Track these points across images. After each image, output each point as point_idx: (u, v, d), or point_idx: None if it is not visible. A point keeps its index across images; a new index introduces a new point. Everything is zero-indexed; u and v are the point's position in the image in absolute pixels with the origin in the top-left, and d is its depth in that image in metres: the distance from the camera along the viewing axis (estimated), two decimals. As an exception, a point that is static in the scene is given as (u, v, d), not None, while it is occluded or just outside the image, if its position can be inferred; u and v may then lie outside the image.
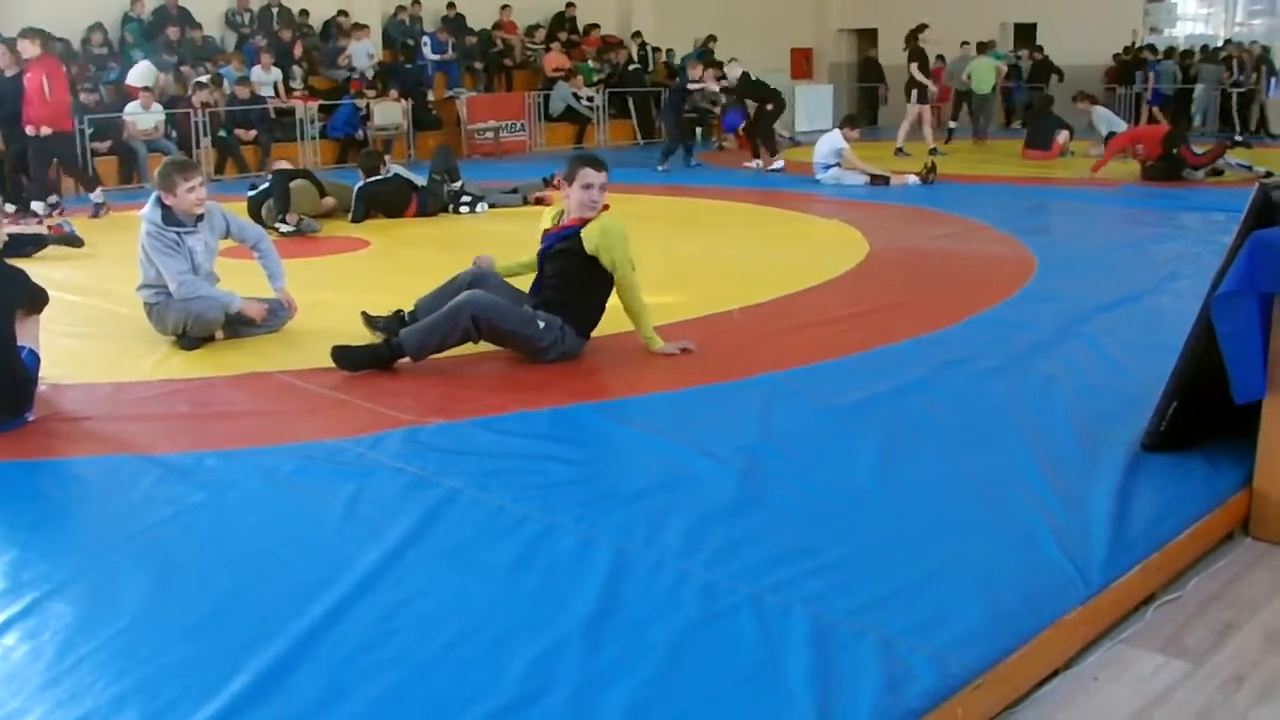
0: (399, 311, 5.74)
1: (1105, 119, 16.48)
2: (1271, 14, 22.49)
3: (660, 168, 14.82)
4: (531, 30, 20.93)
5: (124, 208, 11.14)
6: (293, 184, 10.18)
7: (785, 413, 4.57)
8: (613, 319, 5.60)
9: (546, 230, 5.59)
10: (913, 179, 12.88)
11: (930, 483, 3.79)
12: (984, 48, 19.77)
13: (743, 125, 15.69)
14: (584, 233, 5.36)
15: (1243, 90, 20.18)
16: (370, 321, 5.74)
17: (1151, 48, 22.09)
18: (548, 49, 20.35)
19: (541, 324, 5.29)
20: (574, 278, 5.41)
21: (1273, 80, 20.13)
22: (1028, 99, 20.81)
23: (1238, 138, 18.00)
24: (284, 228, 9.64)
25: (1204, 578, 3.38)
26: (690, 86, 15.92)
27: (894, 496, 3.68)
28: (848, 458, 4.02)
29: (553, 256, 5.47)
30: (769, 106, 15.34)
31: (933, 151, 16.29)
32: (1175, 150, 12.86)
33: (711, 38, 21.81)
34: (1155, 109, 20.60)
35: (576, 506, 3.61)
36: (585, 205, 5.41)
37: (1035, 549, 3.24)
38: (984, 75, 19.20)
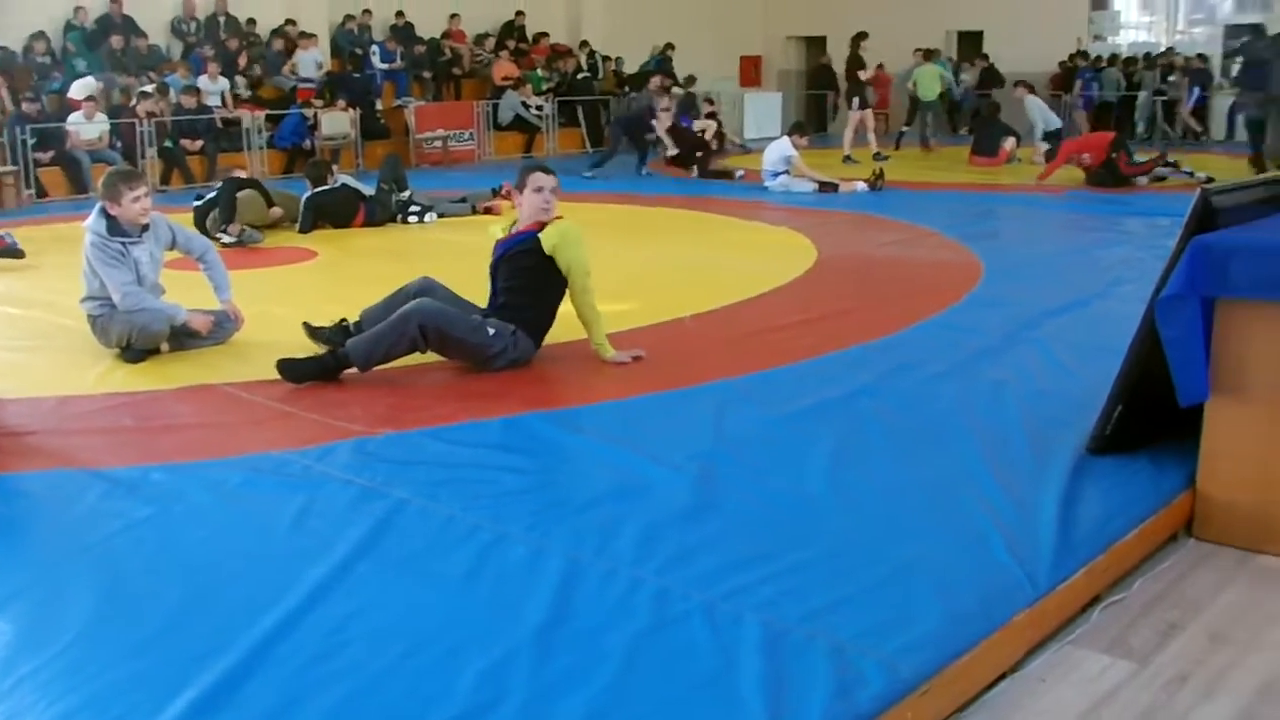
0: (343, 322, 5.69)
1: (1039, 110, 16.77)
2: (1211, 22, 22.81)
3: (587, 174, 14.81)
4: (480, 39, 20.87)
5: (68, 219, 11.01)
6: (240, 194, 10.09)
7: (737, 419, 4.58)
8: (564, 326, 5.60)
9: (499, 239, 5.58)
10: (861, 186, 12.96)
11: (881, 488, 3.82)
12: (930, 55, 19.94)
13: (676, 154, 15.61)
14: (542, 235, 5.36)
15: (1166, 98, 20.56)
16: (313, 333, 5.70)
17: (1084, 54, 22.40)
18: (496, 58, 20.31)
19: (491, 331, 5.27)
20: (530, 282, 5.41)
21: (1195, 89, 20.47)
22: (975, 106, 20.99)
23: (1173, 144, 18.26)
24: (225, 239, 9.53)
25: (1149, 579, 3.43)
26: (655, 123, 15.68)
27: (845, 502, 3.70)
28: (799, 464, 4.04)
29: (509, 260, 5.46)
30: (699, 152, 15.53)
31: (878, 156, 16.43)
32: (1114, 156, 13.04)
33: (670, 46, 21.85)
34: (1086, 115, 20.87)
35: (528, 515, 3.60)
36: (539, 209, 5.42)
37: (985, 552, 3.26)
38: (929, 83, 19.36)
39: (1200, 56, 21.24)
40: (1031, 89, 17.24)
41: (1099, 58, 22.47)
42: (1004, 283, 7.33)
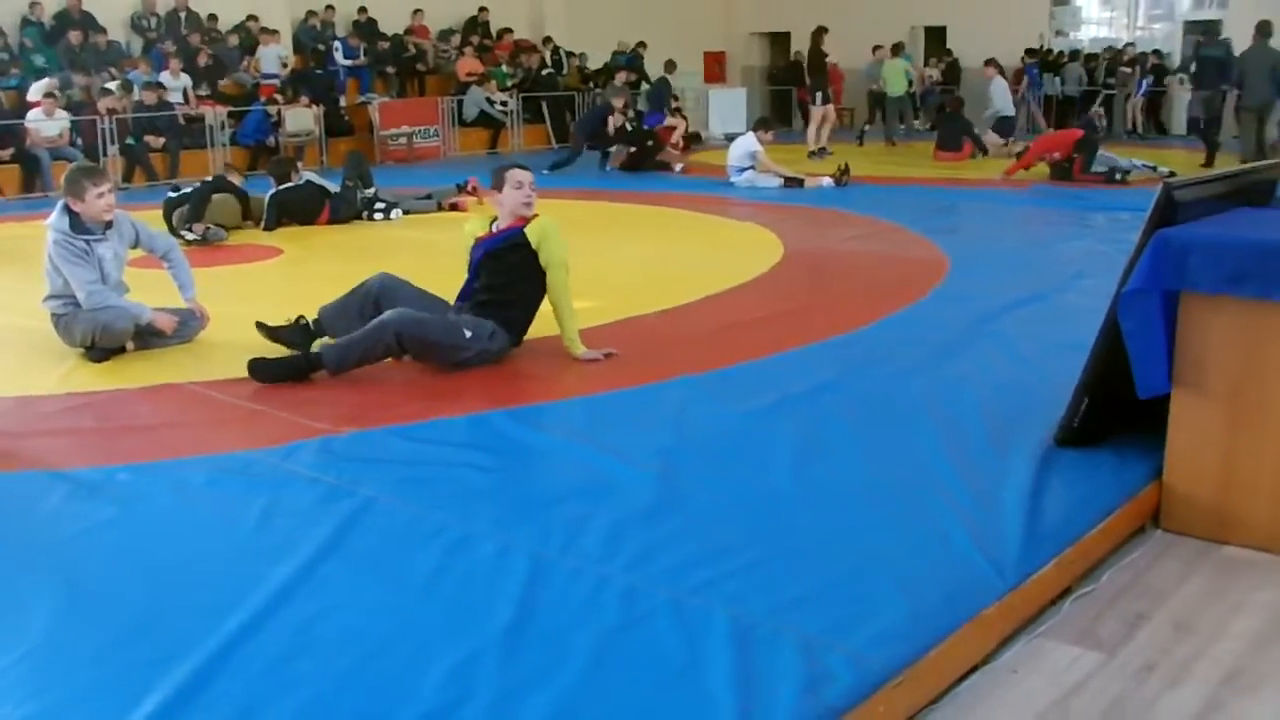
0: (300, 319, 5.65)
1: (1001, 94, 17.07)
2: (1170, 19, 23.02)
3: (546, 171, 14.81)
4: (444, 35, 20.80)
5: (27, 217, 10.90)
6: (215, 196, 10.03)
7: (702, 415, 4.58)
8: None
9: (480, 237, 5.54)
10: (826, 181, 12.98)
11: (846, 482, 3.82)
12: (896, 50, 20.02)
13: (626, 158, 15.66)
14: (528, 230, 5.36)
15: (1113, 92, 20.78)
16: (271, 333, 5.65)
17: (1038, 50, 22.54)
18: (461, 53, 20.24)
19: (468, 333, 5.24)
20: (516, 279, 5.40)
21: (1143, 82, 20.70)
22: (939, 102, 21.11)
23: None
24: (189, 235, 9.47)
25: (1116, 570, 3.45)
26: (611, 119, 15.74)
27: (811, 497, 3.70)
28: (764, 459, 4.04)
29: (495, 258, 5.43)
30: (649, 143, 15.61)
31: (819, 153, 16.49)
32: (1074, 156, 13.27)
33: (641, 44, 21.79)
34: (1040, 110, 21.17)
35: (493, 514, 3.59)
36: (521, 205, 5.43)
37: (952, 546, 3.27)
38: (895, 78, 19.44)
39: (1156, 53, 21.47)
40: (1001, 70, 17.47)
41: (1049, 52, 22.67)
42: (968, 277, 7.36)
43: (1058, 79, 21.94)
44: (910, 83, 20.84)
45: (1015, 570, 3.12)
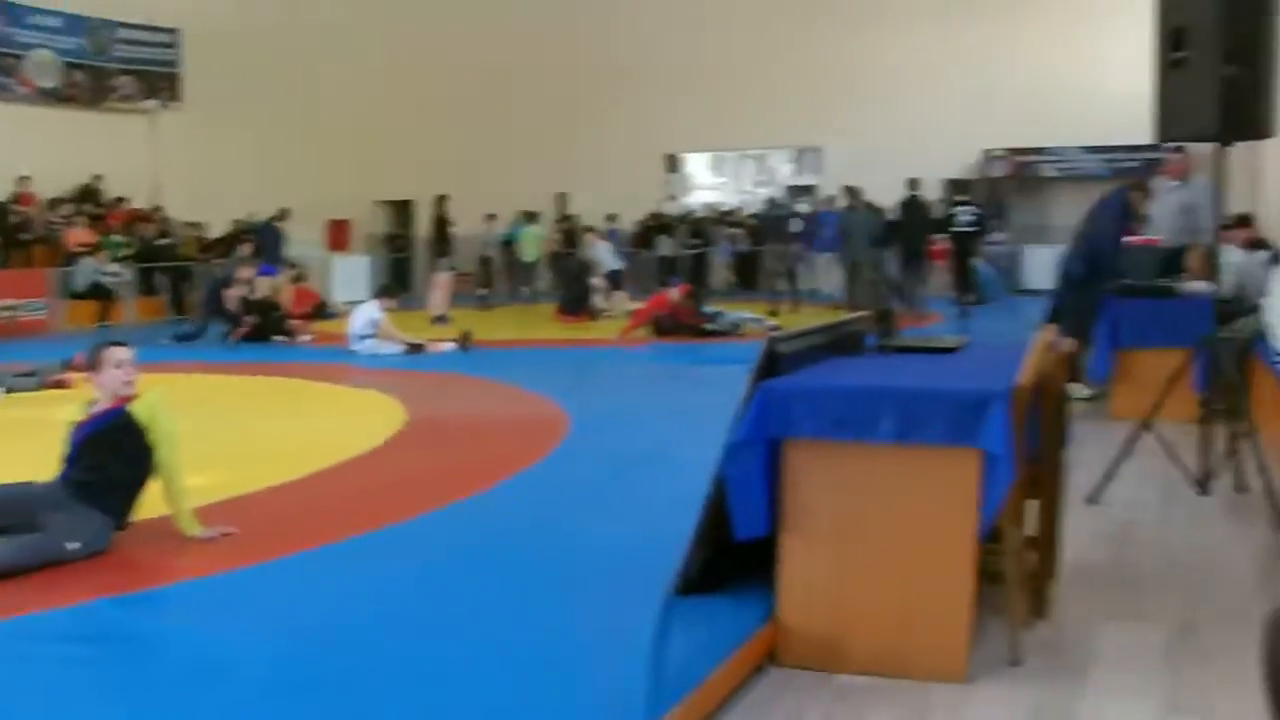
0: None
1: (605, 252, 18.46)
2: (773, 183, 24.88)
3: (170, 340, 14.27)
4: (54, 203, 19.84)
5: None
6: None
7: (324, 590, 4.46)
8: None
9: (79, 421, 5.20)
10: (450, 346, 13.08)
11: (469, 650, 3.77)
12: (531, 217, 20.65)
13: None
14: (133, 409, 5.06)
15: (695, 251, 22.08)
16: None
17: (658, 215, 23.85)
18: (71, 223, 19.32)
19: (73, 544, 4.77)
20: (121, 461, 5.05)
21: (726, 245, 22.28)
22: (564, 265, 21.81)
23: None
24: None
25: (740, 708, 3.54)
26: (232, 290, 15.39)
27: (436, 666, 3.62)
28: (386, 633, 3.95)
29: (94, 442, 5.07)
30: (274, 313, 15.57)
31: (441, 319, 16.66)
32: (685, 307, 14.17)
33: (285, 212, 21.28)
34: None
35: (99, 712, 3.34)
36: (122, 385, 5.13)
37: (578, 702, 3.28)
38: (530, 244, 20.05)
39: (753, 216, 23.06)
40: (601, 235, 18.83)
41: (657, 216, 23.96)
42: (591, 434, 7.54)
43: (670, 239, 23.14)
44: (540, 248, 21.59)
45: (643, 719, 3.15)
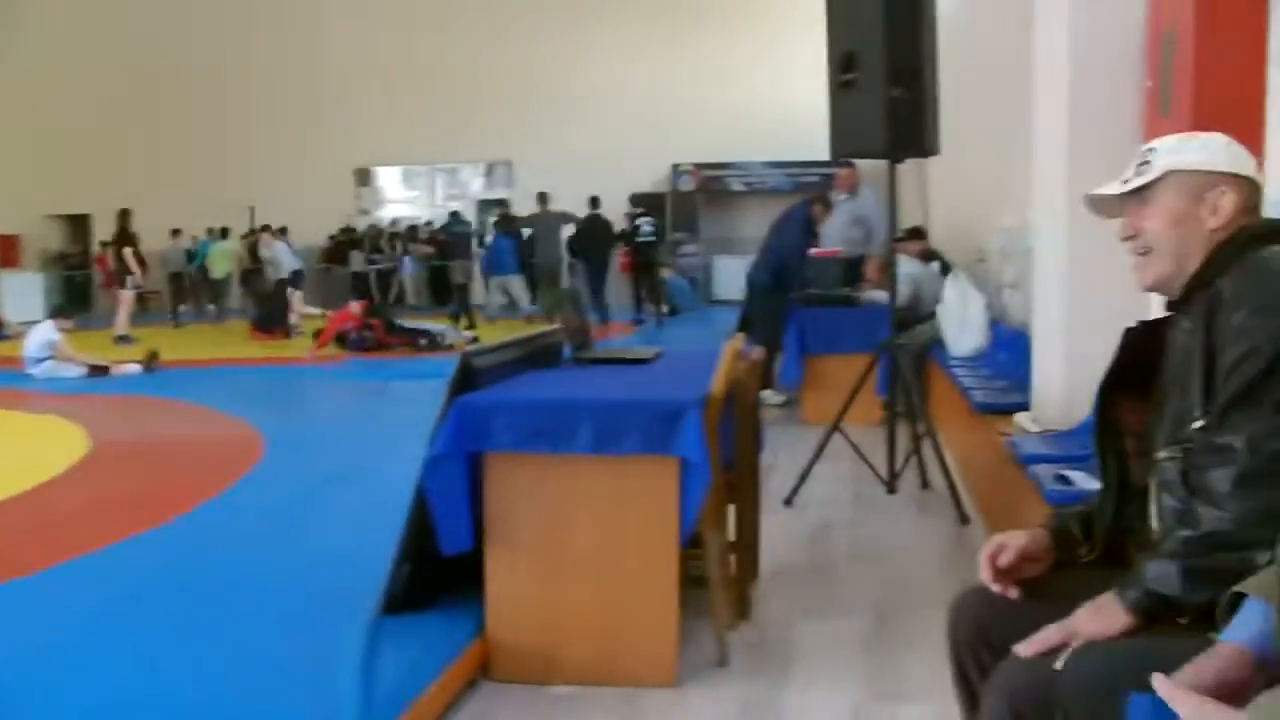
0: None
1: (284, 253, 17.95)
2: (464, 197, 24.82)
3: None
4: None
5: None
6: None
7: (9, 629, 4.17)
8: None
9: None
10: (134, 367, 12.51)
11: (175, 685, 3.60)
12: (225, 233, 19.97)
13: None
14: None
15: (381, 267, 21.96)
16: None
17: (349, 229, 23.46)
18: None
19: None
20: None
21: (405, 259, 22.15)
22: (257, 283, 21.19)
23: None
24: None
25: (455, 726, 3.53)
26: None
27: (141, 704, 3.45)
28: (87, 668, 3.73)
29: None
30: None
31: (123, 339, 15.94)
32: (371, 323, 14.11)
33: None
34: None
35: None
36: None
37: (286, 729, 3.19)
38: (219, 260, 19.37)
39: (440, 230, 22.74)
40: (277, 235, 18.58)
41: (350, 230, 23.56)
42: (288, 454, 7.35)
43: (361, 255, 22.78)
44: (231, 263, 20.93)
45: (354, 744, 3.09)
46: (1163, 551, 1.98)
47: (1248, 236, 2.06)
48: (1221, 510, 1.91)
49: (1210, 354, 1.98)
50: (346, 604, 4.19)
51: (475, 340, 13.09)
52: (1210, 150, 2.14)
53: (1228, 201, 2.09)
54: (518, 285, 17.57)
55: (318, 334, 14.55)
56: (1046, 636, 1.96)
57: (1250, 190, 2.13)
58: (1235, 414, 1.93)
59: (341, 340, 14.04)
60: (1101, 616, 1.95)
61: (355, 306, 14.73)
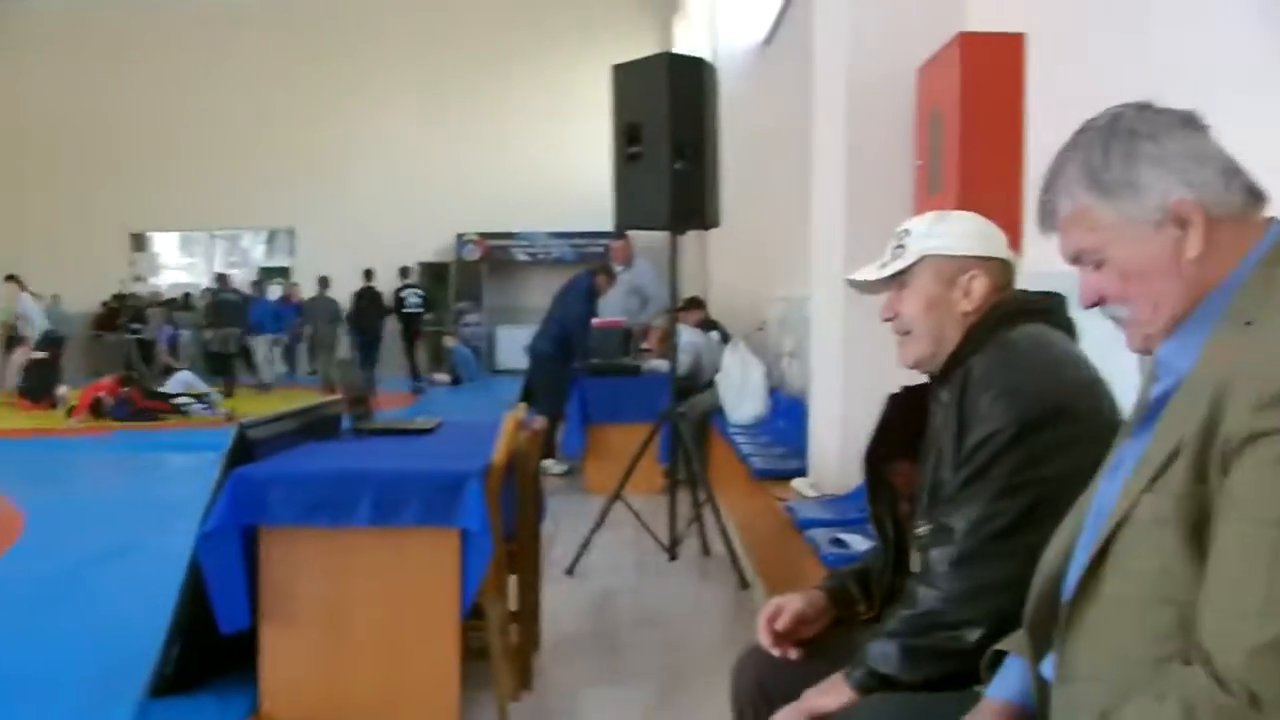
0: None
1: (35, 311, 17.41)
2: (246, 264, 24.21)
3: None
4: None
5: None
6: None
7: None
8: None
9: None
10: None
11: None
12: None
13: None
14: None
15: (141, 337, 21.29)
16: None
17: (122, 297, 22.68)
18: None
19: None
20: None
21: (168, 327, 21.43)
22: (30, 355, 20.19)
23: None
24: None
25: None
26: None
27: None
28: None
29: None
30: None
31: None
32: (127, 390, 13.97)
33: None
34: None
35: None
36: None
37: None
38: None
39: (203, 296, 21.82)
40: (24, 287, 17.81)
41: (122, 296, 22.69)
42: (53, 531, 7.02)
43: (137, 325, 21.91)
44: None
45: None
46: (884, 630, 2.07)
47: (999, 316, 2.15)
48: (937, 590, 2.01)
49: (961, 432, 2.07)
50: (113, 686, 4.04)
51: (229, 415, 12.85)
52: (961, 234, 2.23)
53: (979, 285, 2.18)
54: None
55: (73, 407, 14.17)
56: (783, 717, 2.03)
57: (1001, 270, 2.22)
58: (964, 495, 2.03)
59: (97, 409, 13.62)
60: (829, 698, 2.03)
61: (107, 379, 14.47)
